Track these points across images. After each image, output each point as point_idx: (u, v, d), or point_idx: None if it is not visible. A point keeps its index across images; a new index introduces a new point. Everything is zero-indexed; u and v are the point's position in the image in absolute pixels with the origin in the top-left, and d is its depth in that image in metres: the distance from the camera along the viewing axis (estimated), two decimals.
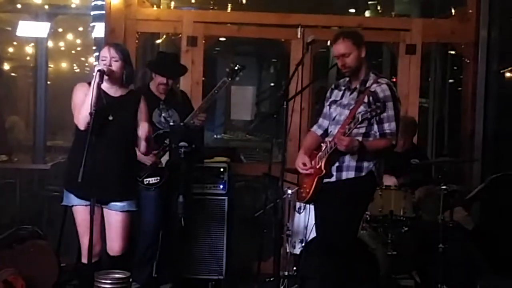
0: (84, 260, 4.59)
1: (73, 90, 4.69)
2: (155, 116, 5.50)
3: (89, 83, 4.68)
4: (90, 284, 4.38)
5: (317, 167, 4.58)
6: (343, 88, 4.72)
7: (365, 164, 4.55)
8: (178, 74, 5.99)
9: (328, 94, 4.85)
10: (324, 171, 4.54)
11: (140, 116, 4.71)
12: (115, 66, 4.62)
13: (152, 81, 5.72)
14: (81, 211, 4.62)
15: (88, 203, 4.46)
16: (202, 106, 5.65)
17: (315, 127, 4.87)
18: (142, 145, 4.70)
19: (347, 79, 4.70)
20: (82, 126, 4.50)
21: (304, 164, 4.65)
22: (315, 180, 4.58)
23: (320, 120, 4.84)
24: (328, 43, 6.50)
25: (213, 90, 5.60)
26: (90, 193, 4.42)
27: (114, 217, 4.68)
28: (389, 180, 5.80)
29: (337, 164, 4.57)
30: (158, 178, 5.48)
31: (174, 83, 5.93)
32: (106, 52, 4.64)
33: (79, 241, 4.75)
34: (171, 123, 5.43)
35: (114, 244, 4.71)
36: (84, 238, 4.61)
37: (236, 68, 5.55)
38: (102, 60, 4.63)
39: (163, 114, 5.58)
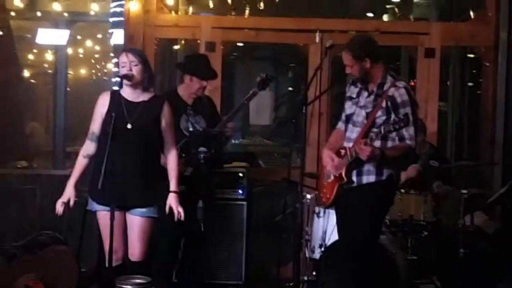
0: (107, 263, 4.61)
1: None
2: (182, 122, 5.45)
3: (112, 92, 4.73)
4: None
5: (338, 174, 4.57)
6: (359, 86, 4.71)
7: (385, 167, 4.54)
8: (215, 76, 5.90)
9: (346, 89, 4.85)
10: (345, 179, 4.53)
11: (165, 127, 4.72)
12: (135, 70, 4.65)
13: (181, 85, 5.62)
14: (103, 216, 4.62)
15: (109, 209, 4.49)
16: (230, 116, 5.62)
17: (340, 124, 4.85)
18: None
19: None
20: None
21: (332, 160, 4.61)
22: (336, 186, 4.58)
23: (343, 115, 4.82)
24: None
25: (243, 100, 5.58)
26: (110, 200, 4.45)
27: (135, 222, 4.69)
28: (412, 169, 5.75)
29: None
30: (183, 186, 5.42)
31: None
32: (124, 58, 4.67)
33: (99, 246, 4.78)
34: (191, 129, 5.42)
35: (135, 250, 4.71)
36: (107, 243, 4.62)
37: (266, 78, 5.52)
38: (122, 67, 4.66)
39: (190, 120, 5.54)
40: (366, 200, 4.50)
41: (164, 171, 4.89)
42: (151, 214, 4.72)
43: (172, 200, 4.73)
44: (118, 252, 4.70)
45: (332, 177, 4.63)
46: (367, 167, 4.52)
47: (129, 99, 4.69)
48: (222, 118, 5.67)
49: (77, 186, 4.70)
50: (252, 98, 5.55)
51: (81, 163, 4.71)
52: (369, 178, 4.54)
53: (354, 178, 4.55)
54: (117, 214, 4.53)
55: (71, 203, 4.68)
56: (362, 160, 4.43)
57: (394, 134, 4.43)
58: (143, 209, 4.68)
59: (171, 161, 4.79)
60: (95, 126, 4.70)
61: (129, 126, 4.59)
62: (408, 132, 4.43)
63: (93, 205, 4.71)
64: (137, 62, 4.65)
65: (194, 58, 5.98)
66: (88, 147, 4.70)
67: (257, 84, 5.53)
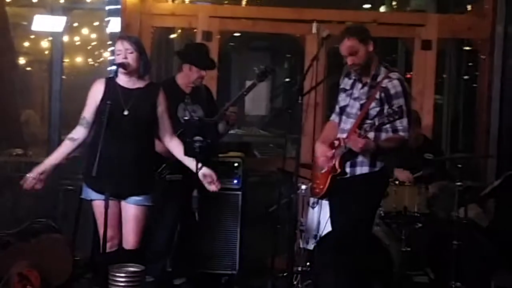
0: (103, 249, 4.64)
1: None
2: (180, 111, 5.42)
3: (107, 79, 4.71)
4: (105, 277, 4.40)
5: (331, 165, 4.57)
6: (353, 78, 4.70)
7: (379, 159, 4.54)
8: (214, 66, 5.88)
9: (340, 81, 4.85)
10: (338, 170, 4.54)
11: (162, 114, 4.70)
12: (131, 58, 4.62)
13: (180, 74, 5.58)
14: (99, 205, 4.60)
15: (103, 197, 4.48)
16: (228, 107, 5.61)
17: (333, 116, 4.85)
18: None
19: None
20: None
21: (325, 155, 4.60)
22: (329, 177, 4.58)
23: (337, 107, 4.82)
24: None
25: (242, 91, 5.57)
26: (105, 188, 4.45)
27: (130, 211, 4.67)
28: (402, 175, 5.79)
29: None
30: (181, 175, 5.41)
31: None
32: (119, 46, 4.65)
33: (94, 235, 4.78)
34: (186, 118, 5.41)
35: (129, 238, 4.70)
36: (100, 230, 4.61)
37: (265, 70, 5.52)
38: (118, 54, 4.64)
39: (187, 109, 5.51)
40: (359, 191, 4.51)
41: (158, 159, 4.90)
42: (146, 202, 4.71)
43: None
44: (114, 240, 4.70)
45: (325, 168, 4.63)
46: (361, 158, 4.53)
47: (124, 86, 4.67)
48: (219, 108, 5.66)
49: (52, 165, 4.63)
50: (251, 90, 5.54)
51: (64, 144, 4.68)
52: (362, 169, 4.55)
53: (348, 169, 4.56)
54: (112, 202, 4.53)
55: (41, 177, 4.59)
56: (356, 151, 4.44)
57: (388, 126, 4.43)
58: (139, 198, 4.67)
59: (178, 149, 4.74)
60: (87, 112, 4.66)
61: (125, 112, 4.57)
62: (402, 123, 4.43)
63: (88, 193, 4.69)
64: (132, 50, 4.62)
65: (194, 47, 5.96)
66: (77, 132, 4.66)
67: (256, 76, 5.52)
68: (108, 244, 4.61)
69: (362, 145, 4.32)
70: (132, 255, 4.67)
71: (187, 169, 5.18)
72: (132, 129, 4.60)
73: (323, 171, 4.65)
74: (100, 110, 4.59)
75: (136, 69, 4.66)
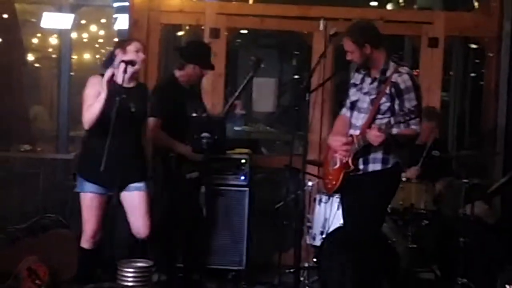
0: (84, 245, 4.86)
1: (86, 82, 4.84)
2: (188, 107, 5.47)
3: (102, 75, 4.75)
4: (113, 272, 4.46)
5: (344, 161, 4.58)
6: (363, 72, 4.72)
7: (391, 156, 4.56)
8: (214, 67, 5.90)
9: (351, 75, 4.87)
10: (352, 167, 4.55)
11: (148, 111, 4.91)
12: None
13: (181, 71, 5.51)
14: (91, 198, 4.78)
15: (100, 191, 4.74)
16: (233, 102, 5.69)
17: (344, 110, 4.83)
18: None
19: None
20: (87, 125, 4.68)
21: (342, 144, 4.58)
22: (342, 173, 4.59)
23: (348, 102, 4.81)
24: None
25: (241, 86, 5.66)
26: (110, 181, 4.62)
27: (136, 198, 4.84)
28: (409, 172, 5.80)
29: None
30: (198, 173, 5.41)
31: None
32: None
33: (83, 227, 4.87)
34: (194, 114, 5.43)
35: (143, 225, 4.86)
36: (89, 224, 4.79)
37: (258, 60, 5.58)
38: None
39: (192, 105, 5.54)
40: (371, 188, 4.52)
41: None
42: (147, 188, 4.88)
43: None
44: (97, 235, 4.85)
45: (338, 164, 4.64)
46: (374, 155, 4.54)
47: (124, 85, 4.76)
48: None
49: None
50: (249, 82, 5.62)
51: None
52: (375, 166, 4.55)
53: (361, 166, 4.56)
54: (102, 197, 4.76)
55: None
56: (369, 148, 4.46)
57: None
58: (140, 184, 4.84)
59: None
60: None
61: (133, 109, 4.75)
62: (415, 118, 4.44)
63: (85, 187, 4.80)
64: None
65: (198, 46, 5.93)
66: None
67: (251, 69, 5.60)
68: (91, 241, 4.83)
69: (382, 139, 4.33)
70: (148, 243, 4.90)
71: (203, 166, 5.24)
72: (133, 124, 4.79)
73: (335, 167, 4.66)
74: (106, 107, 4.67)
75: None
